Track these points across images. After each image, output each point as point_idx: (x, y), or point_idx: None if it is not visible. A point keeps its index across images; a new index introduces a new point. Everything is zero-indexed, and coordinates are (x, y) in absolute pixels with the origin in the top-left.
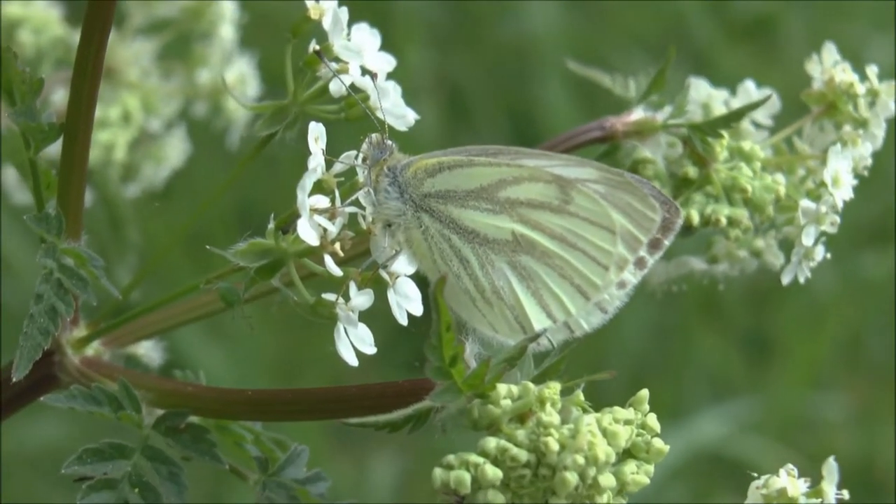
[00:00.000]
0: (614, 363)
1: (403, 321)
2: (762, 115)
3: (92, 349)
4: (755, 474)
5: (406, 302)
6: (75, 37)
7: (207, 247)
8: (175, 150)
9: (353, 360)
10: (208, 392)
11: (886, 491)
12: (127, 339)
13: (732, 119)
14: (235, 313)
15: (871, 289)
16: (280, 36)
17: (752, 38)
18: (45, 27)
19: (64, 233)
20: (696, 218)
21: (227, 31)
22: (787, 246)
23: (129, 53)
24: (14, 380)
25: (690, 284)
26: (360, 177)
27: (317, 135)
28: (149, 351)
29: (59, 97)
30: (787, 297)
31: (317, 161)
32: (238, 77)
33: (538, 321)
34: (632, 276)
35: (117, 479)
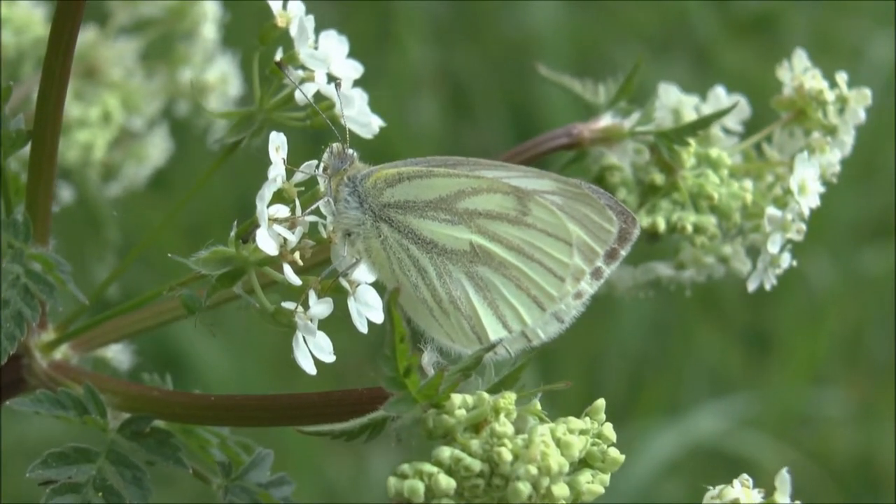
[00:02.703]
0: (613, 359)
1: (363, 329)
2: (732, 121)
3: (60, 353)
4: (746, 476)
5: (367, 310)
6: None
7: (169, 255)
8: (157, 149)
9: (311, 369)
10: (174, 396)
11: (886, 487)
12: (96, 343)
13: (699, 126)
14: (199, 318)
15: (871, 285)
16: (256, 36)
17: (754, 34)
18: (27, 27)
19: (31, 238)
20: (662, 225)
21: (209, 31)
22: (754, 252)
23: (112, 53)
24: None
25: (680, 289)
26: (321, 186)
27: (277, 144)
28: (117, 354)
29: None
30: (787, 293)
31: (277, 171)
32: (220, 77)
33: (494, 331)
34: (588, 287)
35: (81, 482)
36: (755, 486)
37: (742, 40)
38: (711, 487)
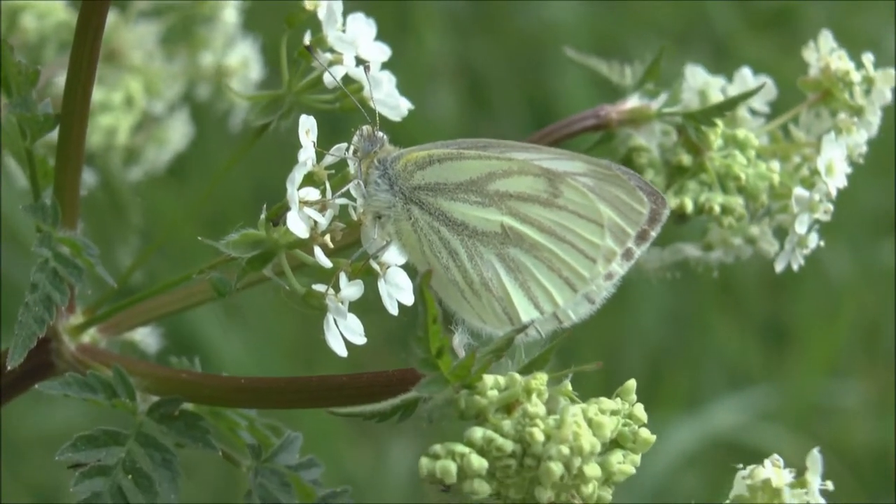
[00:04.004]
0: (632, 351)
1: (394, 311)
2: (759, 103)
3: (88, 336)
4: (740, 465)
5: (397, 292)
6: None
7: (199, 238)
8: (178, 133)
9: (342, 351)
10: (202, 379)
11: None
12: (124, 326)
13: (726, 108)
14: (226, 302)
15: (889, 277)
16: (284, 19)
17: (772, 28)
18: (49, 12)
19: (60, 222)
20: (689, 206)
21: (230, 15)
22: (781, 233)
23: (133, 36)
24: (9, 368)
25: (707, 271)
26: (351, 168)
27: (307, 128)
28: (145, 337)
29: (62, 81)
30: (805, 285)
31: (307, 154)
32: (241, 60)
33: (526, 312)
34: (619, 268)
35: (111, 465)
36: (771, 455)
37: (760, 35)
38: (742, 467)
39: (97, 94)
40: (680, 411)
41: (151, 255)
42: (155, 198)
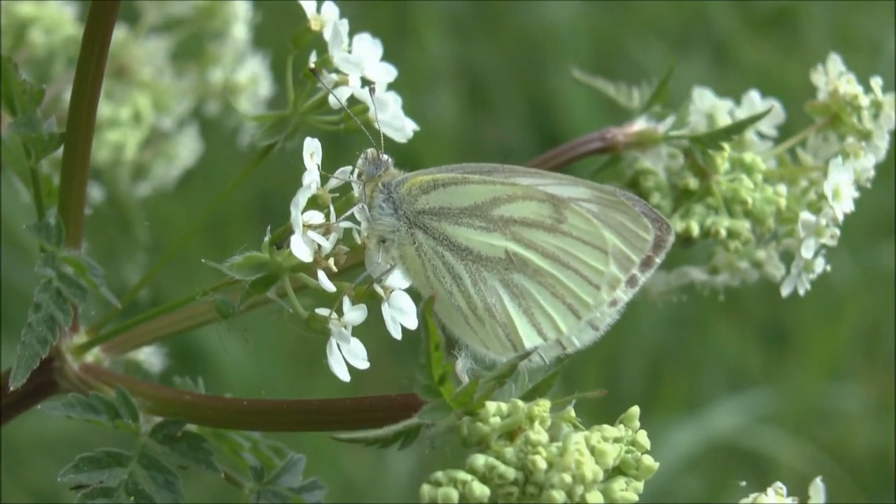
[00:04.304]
0: (632, 355)
1: (397, 335)
2: (767, 126)
3: (92, 356)
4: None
5: (401, 316)
6: None
7: (203, 260)
8: (187, 149)
9: (345, 376)
10: (205, 401)
11: None
12: (127, 346)
13: (733, 131)
14: (231, 323)
15: (890, 280)
16: (290, 39)
17: (773, 29)
18: (58, 26)
19: (64, 241)
20: (696, 230)
21: (240, 31)
22: (788, 257)
23: (143, 52)
24: (12, 388)
25: (713, 294)
26: (356, 192)
27: (312, 150)
28: (149, 357)
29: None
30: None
31: (311, 177)
32: (250, 77)
33: (529, 339)
34: (623, 295)
35: (113, 487)
36: (774, 483)
37: (761, 35)
38: (743, 483)
39: (105, 110)
40: (680, 414)
41: (164, 263)
42: (161, 207)
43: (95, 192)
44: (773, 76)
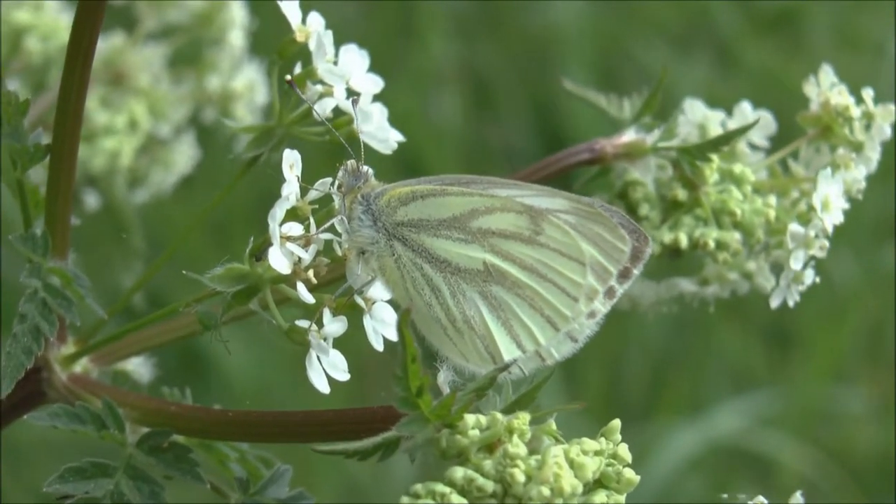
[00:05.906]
0: (635, 357)
1: (379, 347)
2: (758, 137)
3: (80, 366)
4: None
5: (383, 327)
6: None
7: (184, 272)
8: (183, 156)
9: (324, 388)
10: (191, 412)
11: None
12: (116, 356)
13: (721, 142)
14: (217, 331)
15: (892, 281)
16: (276, 50)
17: (776, 30)
18: (54, 34)
19: (50, 252)
20: (684, 241)
21: (237, 38)
22: (778, 268)
23: (140, 59)
24: None
25: (703, 306)
26: (336, 204)
27: (291, 162)
28: (138, 367)
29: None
30: (809, 290)
31: (290, 188)
32: (247, 84)
33: (508, 351)
34: (601, 306)
35: (99, 497)
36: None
37: (764, 36)
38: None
39: (101, 117)
40: (683, 416)
41: (154, 271)
42: (159, 209)
43: (92, 200)
44: (776, 77)
